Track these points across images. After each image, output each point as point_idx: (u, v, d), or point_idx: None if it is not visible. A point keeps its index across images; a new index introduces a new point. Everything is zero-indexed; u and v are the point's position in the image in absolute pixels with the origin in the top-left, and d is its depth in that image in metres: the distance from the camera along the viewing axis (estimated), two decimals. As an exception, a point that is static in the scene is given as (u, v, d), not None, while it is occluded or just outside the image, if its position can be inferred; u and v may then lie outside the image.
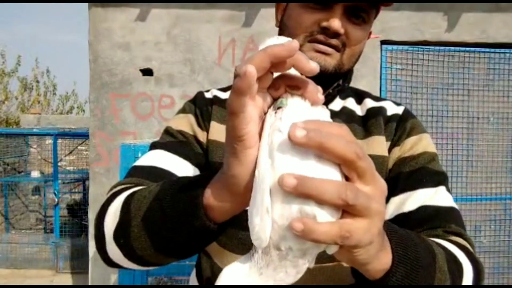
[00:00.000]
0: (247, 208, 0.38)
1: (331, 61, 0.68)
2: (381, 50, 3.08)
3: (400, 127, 0.73)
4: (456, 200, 3.25)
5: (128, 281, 2.40)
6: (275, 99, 0.40)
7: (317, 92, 0.38)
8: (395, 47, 3.10)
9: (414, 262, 0.43)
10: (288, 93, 0.39)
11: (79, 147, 5.33)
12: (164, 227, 0.48)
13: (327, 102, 0.73)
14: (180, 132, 0.75)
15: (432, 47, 3.13)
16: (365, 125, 0.74)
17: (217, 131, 0.74)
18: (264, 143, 0.36)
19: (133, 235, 0.51)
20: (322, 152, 0.33)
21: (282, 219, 0.34)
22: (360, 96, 0.80)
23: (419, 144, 0.71)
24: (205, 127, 0.75)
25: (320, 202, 0.32)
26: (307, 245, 0.34)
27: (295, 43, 0.35)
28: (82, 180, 5.21)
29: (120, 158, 2.60)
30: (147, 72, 3.11)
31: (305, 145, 0.33)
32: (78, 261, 4.26)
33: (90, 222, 3.12)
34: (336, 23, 0.65)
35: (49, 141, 5.44)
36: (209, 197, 0.44)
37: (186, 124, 0.76)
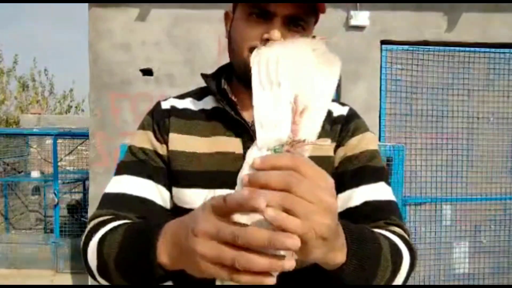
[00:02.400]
0: None
1: None
2: (381, 50, 3.08)
3: (344, 128, 0.80)
4: (456, 200, 3.26)
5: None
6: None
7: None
8: (395, 47, 3.10)
9: (365, 255, 0.53)
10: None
11: (79, 147, 5.33)
12: (131, 274, 0.58)
13: None
14: (142, 149, 0.80)
15: (432, 47, 3.13)
16: None
17: (177, 141, 0.79)
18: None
19: (112, 277, 0.62)
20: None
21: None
22: None
23: (362, 142, 0.79)
24: (163, 140, 0.80)
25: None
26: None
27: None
28: (82, 180, 5.22)
29: (120, 158, 2.60)
30: (147, 72, 3.11)
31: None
32: (78, 261, 4.25)
33: (90, 222, 3.12)
34: (275, 34, 0.69)
35: (49, 141, 5.44)
36: (163, 256, 0.51)
37: (146, 140, 0.81)
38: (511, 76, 3.24)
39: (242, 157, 0.74)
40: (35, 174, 5.38)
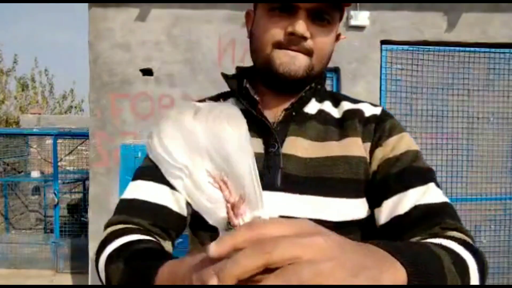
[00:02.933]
0: None
1: (300, 64, 0.70)
2: (381, 50, 3.08)
3: (379, 127, 0.74)
4: (456, 200, 3.25)
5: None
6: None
7: None
8: (395, 47, 3.10)
9: (425, 274, 0.43)
10: None
11: (79, 147, 5.33)
12: None
13: (301, 105, 0.76)
14: None
15: (432, 47, 3.13)
16: (341, 127, 0.75)
17: None
18: None
19: None
20: None
21: None
22: (337, 99, 0.81)
23: (401, 143, 0.72)
24: None
25: None
26: None
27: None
28: (82, 180, 5.22)
29: (120, 158, 2.60)
30: (147, 72, 3.11)
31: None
32: (78, 261, 4.25)
33: (90, 221, 3.12)
34: (301, 27, 0.67)
35: (49, 141, 5.44)
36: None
37: None
38: (511, 76, 3.24)
39: (264, 157, 0.72)
40: (35, 174, 5.38)
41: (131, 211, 0.73)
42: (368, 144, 0.73)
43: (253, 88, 0.79)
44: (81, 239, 4.44)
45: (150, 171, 0.75)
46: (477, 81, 3.21)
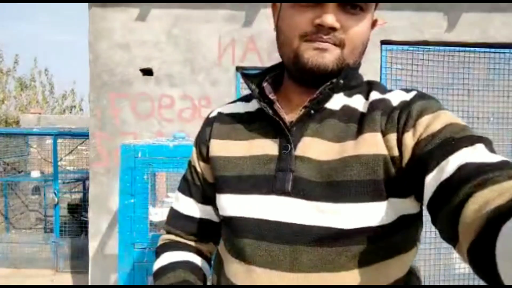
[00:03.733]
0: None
1: (330, 57, 0.65)
2: (381, 50, 3.08)
3: (404, 113, 0.63)
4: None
5: (128, 280, 2.40)
6: None
7: None
8: (395, 47, 3.10)
9: None
10: None
11: (79, 147, 5.33)
12: None
13: (321, 102, 0.69)
14: (193, 167, 0.85)
15: (432, 47, 3.13)
16: (361, 122, 0.67)
17: (216, 147, 0.77)
18: None
19: None
20: None
21: None
22: (369, 90, 0.72)
23: (437, 121, 0.60)
24: (206, 150, 0.81)
25: None
26: None
27: None
28: (82, 180, 5.21)
29: (120, 158, 2.60)
30: (147, 72, 3.11)
31: None
32: (78, 261, 4.26)
33: (90, 221, 3.12)
34: (329, 19, 0.62)
35: (49, 141, 5.44)
36: None
37: (193, 157, 0.86)
38: (511, 76, 3.24)
39: (277, 159, 0.68)
40: (35, 174, 5.38)
41: (172, 222, 0.87)
42: (393, 136, 0.62)
43: (277, 86, 0.76)
44: (81, 238, 4.44)
45: (183, 183, 0.87)
46: (477, 81, 3.21)
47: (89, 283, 3.16)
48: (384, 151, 0.62)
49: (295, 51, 0.66)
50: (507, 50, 3.18)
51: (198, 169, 0.83)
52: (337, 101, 0.71)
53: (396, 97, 0.67)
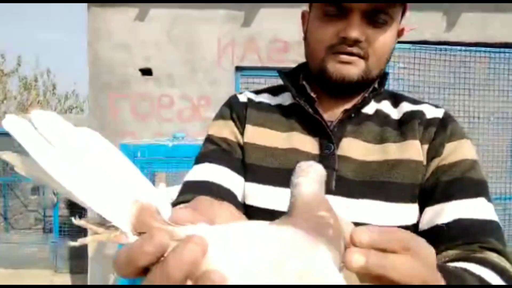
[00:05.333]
0: None
1: (355, 70, 0.67)
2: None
3: (440, 131, 0.70)
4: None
5: (127, 281, 2.39)
6: None
7: None
8: (397, 46, 3.09)
9: None
10: None
11: (78, 147, 5.32)
12: None
13: (361, 107, 0.73)
14: (224, 140, 0.76)
15: (433, 47, 3.12)
16: (401, 129, 0.72)
17: (252, 133, 0.75)
18: None
19: None
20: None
21: None
22: (396, 99, 0.77)
23: (458, 150, 0.68)
24: (241, 131, 0.77)
25: None
26: None
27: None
28: (82, 180, 5.20)
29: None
30: (147, 72, 3.10)
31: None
32: (77, 261, 4.25)
33: (89, 222, 3.11)
34: (354, 32, 0.64)
35: (48, 141, 5.42)
36: None
37: (228, 131, 0.77)
38: (511, 76, 3.24)
39: (318, 158, 0.69)
40: (34, 174, 5.37)
41: (197, 192, 0.68)
42: (426, 147, 0.69)
43: (309, 84, 0.76)
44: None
45: (215, 154, 0.74)
46: (477, 81, 3.21)
47: (88, 283, 3.15)
48: (422, 158, 0.68)
49: (321, 63, 0.69)
50: (507, 50, 3.18)
51: (233, 139, 0.76)
52: (370, 106, 0.75)
53: (428, 111, 0.73)
